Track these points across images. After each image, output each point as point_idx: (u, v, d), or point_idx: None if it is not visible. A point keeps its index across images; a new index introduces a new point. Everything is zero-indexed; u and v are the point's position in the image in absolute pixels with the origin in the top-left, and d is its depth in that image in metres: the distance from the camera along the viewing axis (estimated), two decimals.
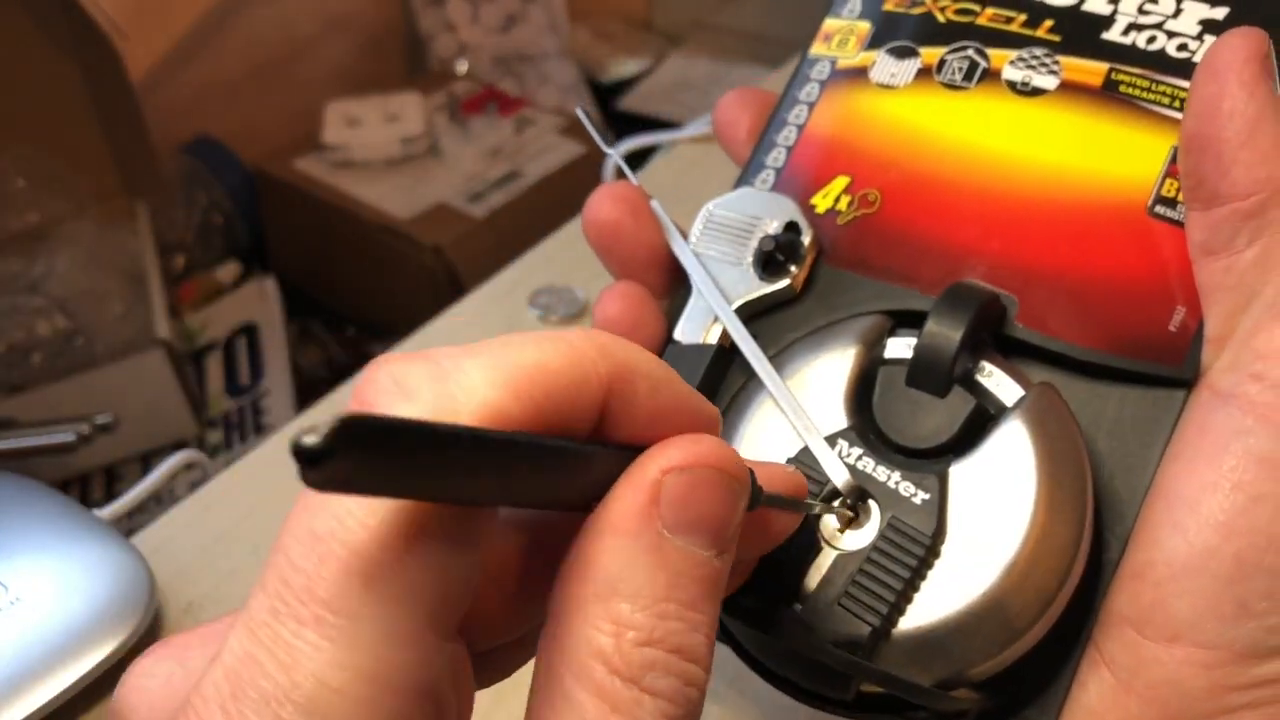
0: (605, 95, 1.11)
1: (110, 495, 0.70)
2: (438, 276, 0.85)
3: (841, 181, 0.32)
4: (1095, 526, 0.26)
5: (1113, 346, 0.27)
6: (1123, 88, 0.30)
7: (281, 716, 0.16)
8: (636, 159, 0.72)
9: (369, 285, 0.91)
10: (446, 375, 0.18)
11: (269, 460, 0.49)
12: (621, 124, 1.01)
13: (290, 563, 0.17)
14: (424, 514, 0.17)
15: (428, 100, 0.96)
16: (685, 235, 0.31)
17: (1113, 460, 0.27)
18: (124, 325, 0.74)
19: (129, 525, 0.49)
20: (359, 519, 0.17)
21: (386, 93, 0.95)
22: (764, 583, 0.26)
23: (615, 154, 0.32)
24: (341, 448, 0.14)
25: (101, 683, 0.38)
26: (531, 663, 0.20)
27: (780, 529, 0.24)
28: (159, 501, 0.61)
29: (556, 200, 0.78)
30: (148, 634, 0.40)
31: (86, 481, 0.71)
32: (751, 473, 0.21)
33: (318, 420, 0.14)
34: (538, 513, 0.21)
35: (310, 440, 0.14)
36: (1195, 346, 0.26)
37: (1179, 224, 0.27)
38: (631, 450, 0.20)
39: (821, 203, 0.32)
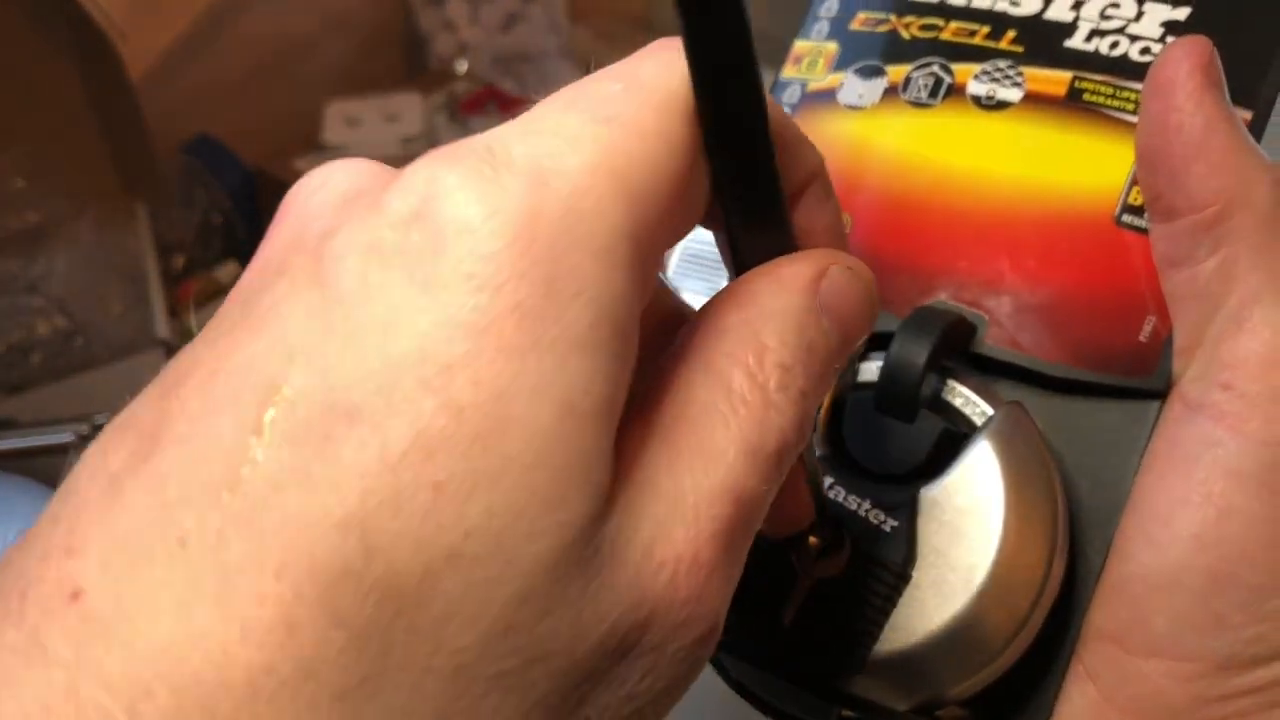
0: None
1: None
2: None
3: None
4: (1074, 541, 0.26)
5: (1084, 360, 0.27)
6: (1086, 96, 0.29)
7: (551, 165, 0.17)
8: None
9: None
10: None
11: None
12: None
13: (590, 84, 0.19)
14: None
15: (427, 100, 0.96)
16: (664, 269, 0.32)
17: (1090, 474, 0.27)
18: (124, 325, 0.74)
19: None
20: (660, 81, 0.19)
21: (386, 93, 0.95)
22: (745, 612, 0.26)
23: None
24: None
25: None
26: None
27: (799, 509, 0.25)
28: None
29: None
30: None
31: None
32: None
33: None
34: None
35: None
36: (1166, 356, 0.26)
37: (1146, 232, 0.27)
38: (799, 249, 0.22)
39: None
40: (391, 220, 0.17)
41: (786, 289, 0.20)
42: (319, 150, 0.92)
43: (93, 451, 0.17)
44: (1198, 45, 0.26)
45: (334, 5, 1.02)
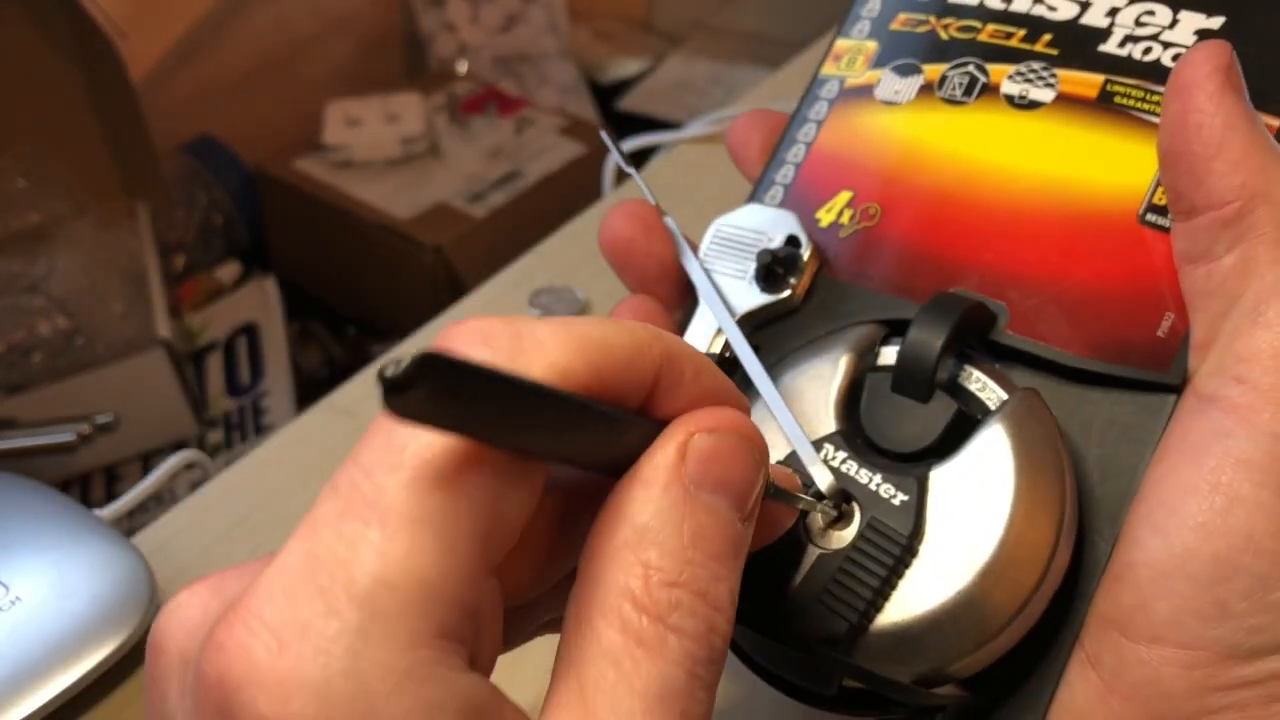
0: (605, 95, 1.11)
1: (110, 495, 0.70)
2: (438, 276, 0.85)
3: (844, 196, 0.33)
4: (1083, 530, 0.26)
5: (1102, 352, 0.28)
6: (1118, 99, 0.30)
7: (336, 608, 0.17)
8: (636, 159, 0.72)
9: (369, 285, 0.91)
10: (522, 334, 0.20)
11: (269, 460, 0.49)
12: (621, 124, 1.01)
13: (362, 469, 0.19)
14: (489, 449, 0.19)
15: (428, 100, 0.96)
16: (695, 249, 0.32)
17: (1103, 464, 0.27)
18: (124, 325, 0.74)
19: (129, 525, 0.50)
20: (433, 437, 0.18)
21: (386, 93, 0.95)
22: (751, 580, 0.27)
23: (637, 175, 0.33)
24: (421, 379, 0.16)
25: (101, 683, 0.38)
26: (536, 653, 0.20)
27: (776, 523, 0.25)
28: (159, 501, 0.61)
29: (556, 200, 0.79)
30: (148, 634, 0.40)
31: (86, 481, 0.71)
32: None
33: (402, 354, 0.16)
34: (567, 481, 0.23)
35: (393, 371, 0.16)
36: (1182, 352, 0.26)
37: (1168, 232, 0.28)
38: (661, 423, 0.22)
39: (825, 217, 0.33)
40: None
41: (650, 490, 0.20)
42: (320, 150, 0.92)
43: None
44: (1218, 49, 0.26)
45: (334, 6, 1.02)
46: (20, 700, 0.37)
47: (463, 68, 1.07)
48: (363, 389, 0.52)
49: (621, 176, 0.69)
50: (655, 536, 0.20)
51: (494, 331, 0.20)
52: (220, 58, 0.94)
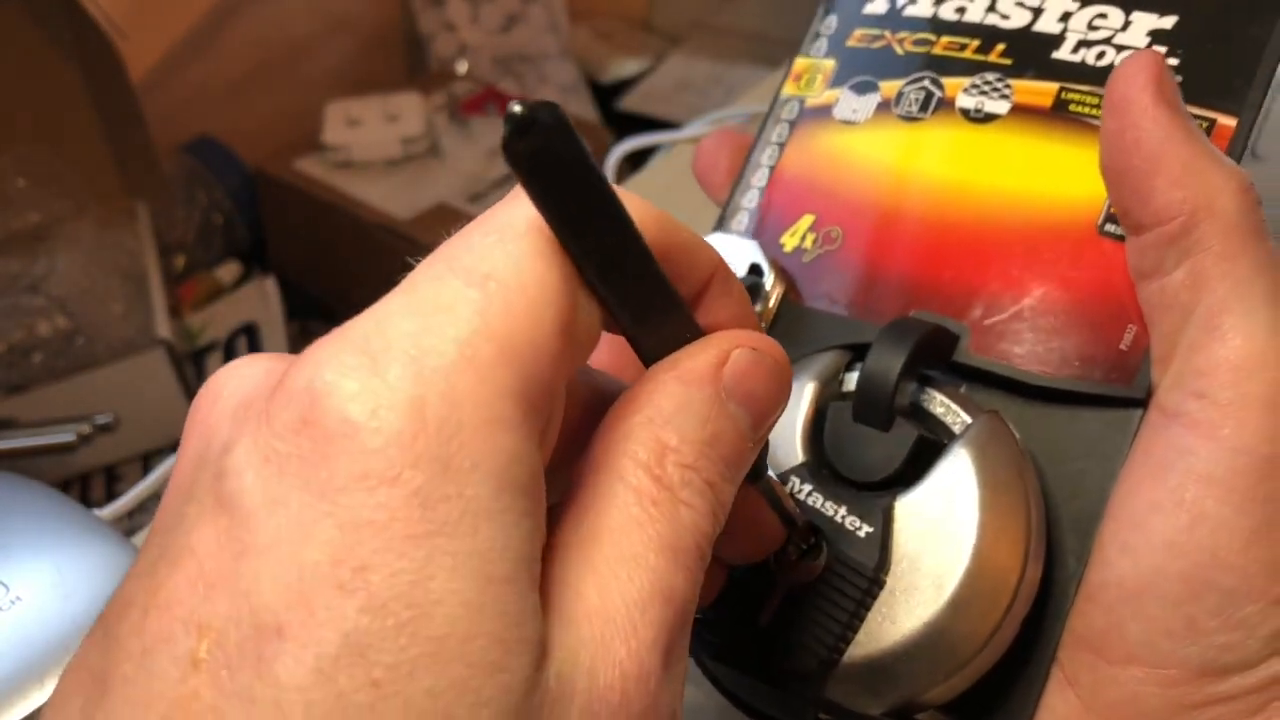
0: (605, 95, 1.11)
1: (111, 495, 0.70)
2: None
3: (807, 220, 0.33)
4: (1053, 549, 0.26)
5: (1067, 368, 0.27)
6: (1072, 106, 0.30)
7: (436, 344, 0.18)
8: (637, 159, 0.72)
9: (369, 285, 0.90)
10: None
11: None
12: (621, 124, 1.01)
13: (462, 239, 0.19)
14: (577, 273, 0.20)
15: (428, 100, 0.96)
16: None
17: (1071, 482, 0.27)
18: (124, 325, 0.74)
19: (129, 525, 0.49)
20: (529, 222, 0.19)
21: (386, 93, 0.95)
22: (724, 613, 0.27)
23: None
24: (545, 121, 0.17)
25: None
26: None
27: (768, 535, 0.25)
28: (159, 501, 0.61)
29: None
30: None
31: (86, 481, 0.71)
32: (767, 444, 0.24)
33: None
34: (591, 384, 0.23)
35: (520, 107, 0.17)
36: (1146, 365, 0.26)
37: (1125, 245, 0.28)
38: (704, 332, 0.22)
39: (790, 241, 0.33)
40: (280, 430, 0.17)
41: (685, 383, 0.21)
42: (320, 150, 0.92)
43: (53, 701, 0.18)
44: (1149, 60, 0.26)
45: (334, 6, 1.02)
46: (20, 700, 0.37)
47: (463, 68, 1.07)
48: None
49: (621, 177, 0.69)
50: (678, 424, 0.20)
51: None
52: (220, 58, 0.94)
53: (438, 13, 1.07)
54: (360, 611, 0.16)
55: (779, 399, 0.22)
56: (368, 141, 0.91)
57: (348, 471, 0.17)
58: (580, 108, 1.07)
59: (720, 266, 0.23)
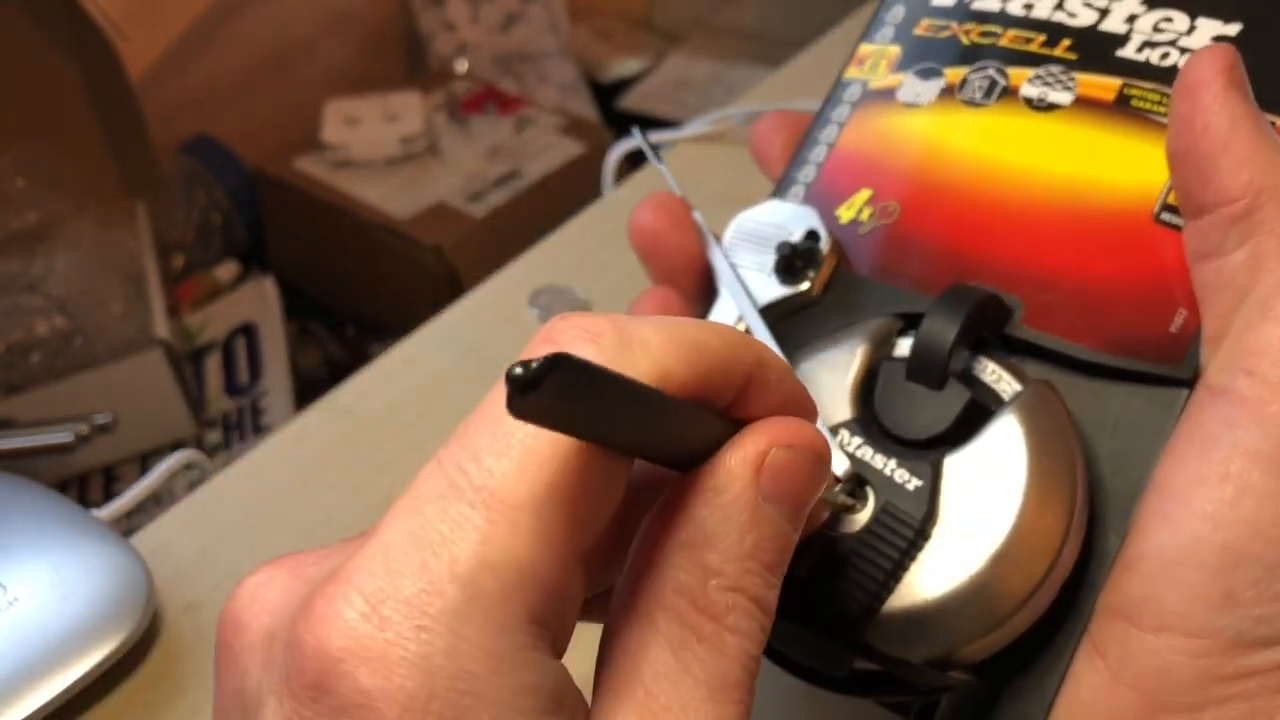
0: (605, 95, 1.11)
1: (109, 495, 0.70)
2: (438, 276, 0.85)
3: (864, 194, 0.33)
4: (1094, 522, 0.27)
5: (1116, 347, 0.28)
6: (1134, 101, 0.30)
7: (439, 586, 0.18)
8: (637, 159, 0.72)
9: (369, 285, 0.91)
10: (627, 332, 0.20)
11: (268, 460, 0.48)
12: (621, 124, 1.01)
13: (469, 453, 0.19)
14: (589, 444, 0.19)
15: (427, 100, 0.96)
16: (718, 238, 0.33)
17: (1115, 458, 0.27)
18: (123, 325, 0.74)
19: (127, 525, 0.49)
20: (542, 431, 0.19)
21: (386, 92, 0.95)
22: None
23: (665, 168, 0.33)
24: (550, 380, 0.16)
25: (101, 683, 0.38)
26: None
27: (814, 519, 0.25)
28: (157, 501, 0.61)
29: (556, 200, 0.78)
30: (146, 634, 0.40)
31: (85, 481, 0.71)
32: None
33: (529, 356, 0.17)
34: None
35: (523, 371, 0.16)
36: (1194, 347, 0.27)
37: (1183, 230, 0.28)
38: (738, 423, 0.22)
39: (845, 214, 0.33)
40: (299, 694, 0.18)
41: (722, 498, 0.20)
42: (319, 150, 0.92)
43: None
44: (1222, 51, 0.27)
45: (334, 5, 1.02)
46: (20, 700, 0.37)
47: (462, 67, 1.07)
48: (362, 388, 0.52)
49: (622, 175, 0.69)
50: (719, 542, 0.20)
51: (600, 330, 0.20)
52: (220, 58, 0.94)
53: (437, 12, 1.07)
54: None
55: (818, 487, 0.22)
56: (367, 141, 0.91)
57: None
58: (580, 107, 1.07)
59: (757, 359, 0.22)
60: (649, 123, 1.00)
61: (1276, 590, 0.24)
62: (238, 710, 0.20)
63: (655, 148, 0.36)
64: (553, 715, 0.18)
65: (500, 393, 0.18)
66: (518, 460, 0.19)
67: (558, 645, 0.19)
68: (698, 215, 0.33)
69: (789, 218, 0.33)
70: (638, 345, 0.20)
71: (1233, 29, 0.30)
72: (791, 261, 0.32)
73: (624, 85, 1.12)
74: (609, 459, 0.20)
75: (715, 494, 0.21)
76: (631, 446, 0.20)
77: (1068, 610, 0.26)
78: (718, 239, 0.33)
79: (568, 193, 0.81)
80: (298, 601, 0.19)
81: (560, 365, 0.17)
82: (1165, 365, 0.27)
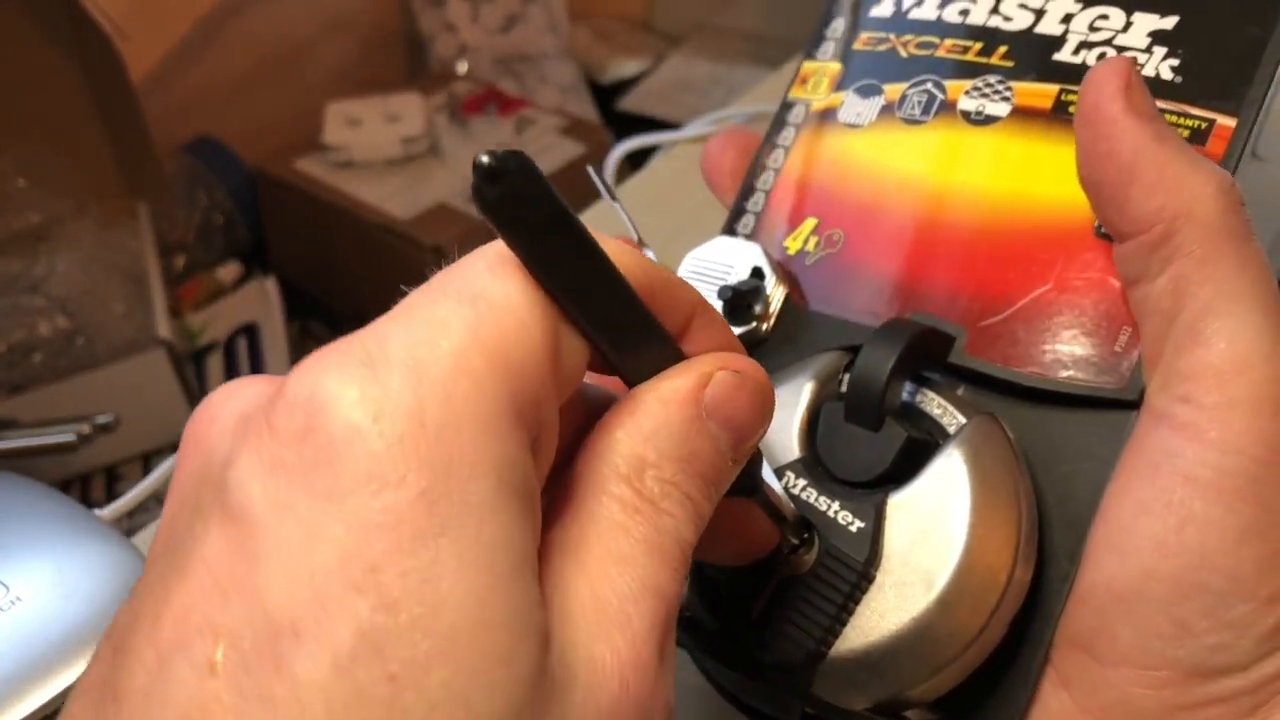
0: (605, 95, 1.11)
1: (111, 495, 0.70)
2: (438, 268, 0.85)
3: (810, 223, 0.33)
4: (1045, 550, 0.26)
5: (1061, 370, 0.28)
6: (1071, 109, 0.29)
7: (432, 355, 0.18)
8: (636, 159, 0.72)
9: (369, 285, 0.91)
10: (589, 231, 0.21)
11: None
12: (621, 124, 1.01)
13: (456, 269, 0.20)
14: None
15: (428, 100, 0.96)
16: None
17: (1065, 483, 0.27)
18: (125, 325, 0.74)
19: (129, 525, 0.50)
20: (520, 264, 0.20)
21: (387, 93, 0.95)
22: (714, 605, 0.27)
23: (620, 208, 0.33)
24: (511, 171, 0.18)
25: None
26: None
27: (762, 539, 0.26)
28: (159, 501, 0.61)
29: None
30: None
31: (87, 481, 0.71)
32: (761, 456, 0.24)
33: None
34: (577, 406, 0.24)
35: (487, 158, 0.18)
36: (1139, 366, 0.26)
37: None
38: (684, 356, 0.23)
39: (793, 244, 0.33)
40: (284, 438, 0.18)
41: (665, 403, 0.21)
42: (320, 150, 0.92)
43: None
44: (1117, 66, 0.26)
45: (334, 6, 1.02)
46: (20, 700, 0.37)
47: (463, 68, 1.07)
48: None
49: (621, 177, 0.69)
50: (657, 442, 0.21)
51: None
52: (220, 58, 0.94)
53: (438, 13, 1.07)
54: (374, 609, 0.17)
55: (760, 420, 0.23)
56: (368, 141, 0.91)
57: (353, 475, 0.17)
58: (580, 108, 1.07)
59: (701, 302, 0.23)
60: (649, 124, 1.00)
61: (1229, 618, 0.23)
62: (196, 486, 0.19)
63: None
64: (523, 498, 0.19)
65: (492, 243, 0.20)
66: (501, 275, 0.20)
67: (537, 453, 0.20)
68: (650, 253, 0.33)
69: (736, 254, 0.32)
70: (596, 235, 0.21)
71: (1169, 22, 0.29)
72: (736, 303, 0.32)
73: (624, 86, 1.12)
74: (571, 329, 0.20)
75: (659, 401, 0.21)
76: (581, 311, 0.20)
77: (1025, 640, 0.26)
78: None
79: (568, 193, 0.81)
80: (277, 389, 0.19)
81: (522, 160, 0.18)
82: (1111, 387, 0.27)
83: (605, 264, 0.20)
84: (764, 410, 0.23)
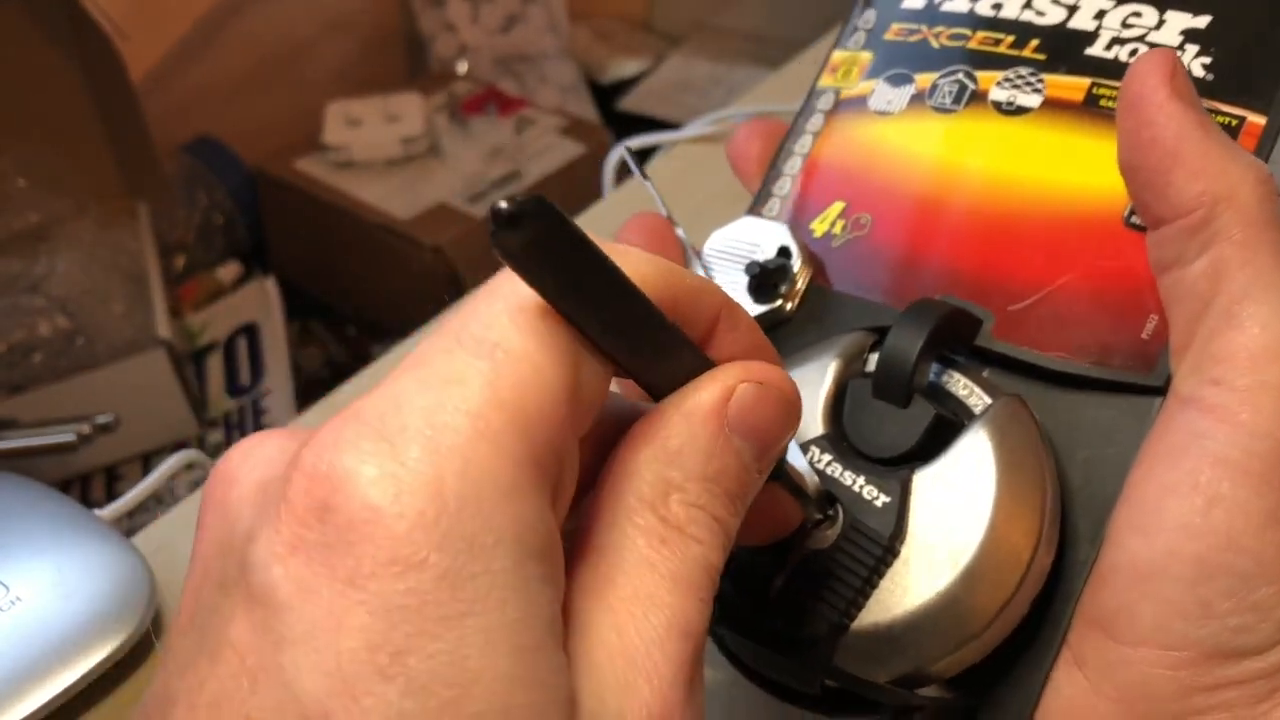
0: (605, 95, 1.11)
1: (111, 495, 0.70)
2: (438, 276, 0.85)
3: (837, 207, 0.33)
4: (1067, 533, 0.27)
5: (1088, 355, 0.28)
6: (1103, 101, 0.30)
7: (449, 420, 0.18)
8: (636, 159, 0.72)
9: (369, 285, 0.91)
10: (610, 244, 0.21)
11: None
12: (621, 124, 1.01)
13: (469, 311, 0.20)
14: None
15: (428, 100, 0.96)
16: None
17: (1088, 468, 0.27)
18: (124, 325, 0.74)
19: (129, 525, 0.50)
20: (529, 290, 0.20)
21: (387, 93, 0.95)
22: (735, 578, 0.27)
23: (651, 186, 0.34)
24: (530, 215, 0.18)
25: (101, 683, 0.38)
26: None
27: (789, 519, 0.26)
28: (159, 501, 0.61)
29: (557, 200, 0.78)
30: (148, 634, 0.40)
31: (87, 481, 0.71)
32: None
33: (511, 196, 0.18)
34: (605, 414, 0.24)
35: (506, 205, 0.18)
36: (1165, 354, 0.27)
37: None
38: (709, 363, 0.23)
39: (819, 227, 0.33)
40: (303, 517, 0.18)
41: (690, 419, 0.21)
42: (320, 150, 0.92)
43: None
44: (1162, 58, 0.27)
45: (334, 6, 1.02)
46: (20, 700, 0.37)
47: (463, 68, 1.07)
48: (363, 388, 0.52)
49: (621, 177, 0.69)
50: (684, 462, 0.21)
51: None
52: (220, 58, 0.94)
53: (438, 13, 1.07)
54: (403, 695, 0.17)
55: (785, 430, 0.23)
56: (368, 141, 0.91)
57: (374, 558, 0.17)
58: (580, 108, 1.07)
59: (726, 303, 0.23)
60: (649, 124, 1.00)
61: (1252, 600, 0.24)
62: (219, 558, 0.19)
63: (642, 162, 0.36)
64: (546, 561, 0.19)
65: (503, 274, 0.20)
66: (518, 319, 0.19)
67: (557, 498, 0.20)
68: (681, 233, 0.33)
69: (761, 234, 0.32)
70: (618, 249, 0.21)
71: (1201, 21, 0.30)
72: (763, 281, 0.32)
73: (624, 86, 1.12)
74: (592, 355, 0.20)
75: (683, 418, 0.21)
76: (604, 336, 0.20)
77: (1044, 621, 0.26)
78: (699, 255, 0.33)
79: (568, 193, 0.81)
80: (296, 451, 0.19)
81: (540, 203, 0.18)
82: (1137, 373, 0.27)
83: (629, 290, 0.20)
84: (789, 420, 0.23)
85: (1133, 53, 0.30)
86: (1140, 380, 0.27)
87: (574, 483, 0.20)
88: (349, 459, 0.18)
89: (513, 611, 0.18)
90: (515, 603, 0.18)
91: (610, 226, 0.35)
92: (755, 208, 0.35)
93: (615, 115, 1.08)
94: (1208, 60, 0.29)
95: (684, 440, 0.21)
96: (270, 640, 0.17)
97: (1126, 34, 0.31)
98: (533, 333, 0.19)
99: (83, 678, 0.37)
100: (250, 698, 0.17)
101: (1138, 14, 0.31)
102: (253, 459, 0.20)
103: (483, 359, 0.19)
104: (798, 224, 0.33)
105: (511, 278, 0.20)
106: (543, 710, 0.18)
